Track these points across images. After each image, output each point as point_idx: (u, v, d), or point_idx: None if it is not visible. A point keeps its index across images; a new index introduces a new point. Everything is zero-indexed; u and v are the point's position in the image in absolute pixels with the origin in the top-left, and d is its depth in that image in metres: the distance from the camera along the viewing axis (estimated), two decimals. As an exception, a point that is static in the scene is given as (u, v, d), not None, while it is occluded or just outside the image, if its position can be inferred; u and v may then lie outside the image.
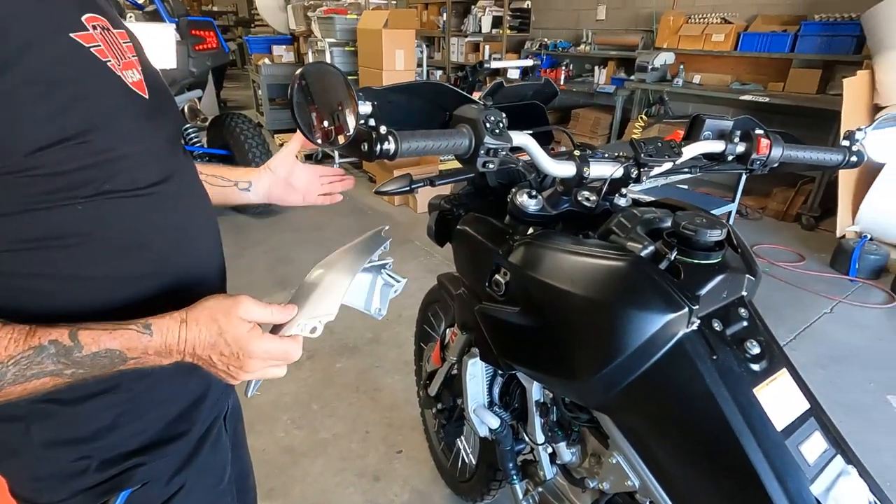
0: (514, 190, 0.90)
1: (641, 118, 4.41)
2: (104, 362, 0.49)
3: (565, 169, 0.81)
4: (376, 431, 1.92)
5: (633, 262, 0.67)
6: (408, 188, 0.93)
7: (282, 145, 0.90)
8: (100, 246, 0.53)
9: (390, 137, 0.59)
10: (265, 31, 7.23)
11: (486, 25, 6.27)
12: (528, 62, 2.88)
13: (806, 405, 0.65)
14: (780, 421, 0.62)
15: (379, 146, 0.58)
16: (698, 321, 0.65)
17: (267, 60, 5.97)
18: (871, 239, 3.14)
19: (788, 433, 0.62)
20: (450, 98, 0.74)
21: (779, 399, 0.64)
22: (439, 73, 6.70)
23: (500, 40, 6.11)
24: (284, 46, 6.11)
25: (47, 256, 0.50)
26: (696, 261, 0.67)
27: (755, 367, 0.65)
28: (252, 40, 6.52)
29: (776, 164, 0.86)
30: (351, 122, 0.56)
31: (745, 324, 0.69)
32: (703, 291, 0.64)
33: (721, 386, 0.61)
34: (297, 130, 0.59)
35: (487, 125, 0.64)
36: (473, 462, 1.48)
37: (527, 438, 1.04)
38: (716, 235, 0.67)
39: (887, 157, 0.90)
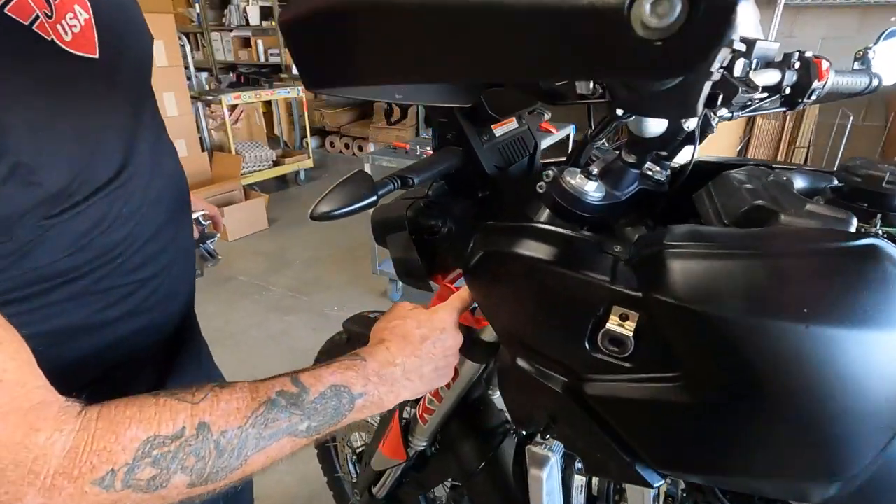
0: (550, 171, 0.54)
1: (447, 104, 4.40)
2: (332, 404, 0.46)
3: (657, 122, 0.49)
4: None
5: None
6: (368, 200, 0.48)
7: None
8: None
9: None
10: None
11: (254, 17, 5.50)
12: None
13: None
14: None
15: None
16: None
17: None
18: None
19: None
20: None
21: None
22: (205, 74, 5.64)
23: (273, 34, 5.43)
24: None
25: None
26: None
27: None
28: None
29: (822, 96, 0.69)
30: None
31: None
32: None
33: None
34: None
35: None
36: None
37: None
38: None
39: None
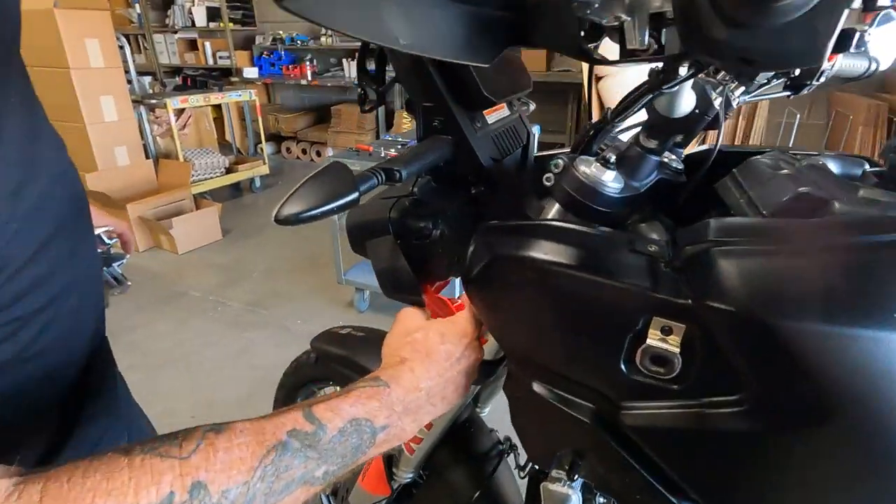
0: (560, 160, 0.47)
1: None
2: (353, 442, 0.38)
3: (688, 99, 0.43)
4: None
5: None
6: (348, 198, 0.39)
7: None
8: None
9: None
10: None
11: (200, 19, 5.23)
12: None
13: None
14: None
15: None
16: None
17: None
18: None
19: None
20: None
21: None
22: (148, 79, 5.29)
23: (222, 36, 5.19)
24: None
25: None
26: None
27: None
28: None
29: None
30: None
31: None
32: None
33: None
34: None
35: None
36: None
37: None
38: None
39: (889, 57, 0.80)
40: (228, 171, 4.00)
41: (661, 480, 0.39)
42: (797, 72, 0.62)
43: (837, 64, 0.64)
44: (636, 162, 0.47)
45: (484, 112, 0.56)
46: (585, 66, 3.45)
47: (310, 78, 4.99)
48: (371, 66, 0.55)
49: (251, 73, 5.12)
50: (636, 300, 0.36)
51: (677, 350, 0.36)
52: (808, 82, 0.63)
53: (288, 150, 5.32)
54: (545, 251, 0.39)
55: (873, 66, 0.70)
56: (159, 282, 2.72)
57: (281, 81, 5.26)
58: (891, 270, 0.32)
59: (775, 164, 0.47)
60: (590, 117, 3.95)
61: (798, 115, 3.49)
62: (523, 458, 0.80)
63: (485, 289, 0.43)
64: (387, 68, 0.56)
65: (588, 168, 0.45)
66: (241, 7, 5.21)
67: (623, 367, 0.38)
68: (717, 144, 0.50)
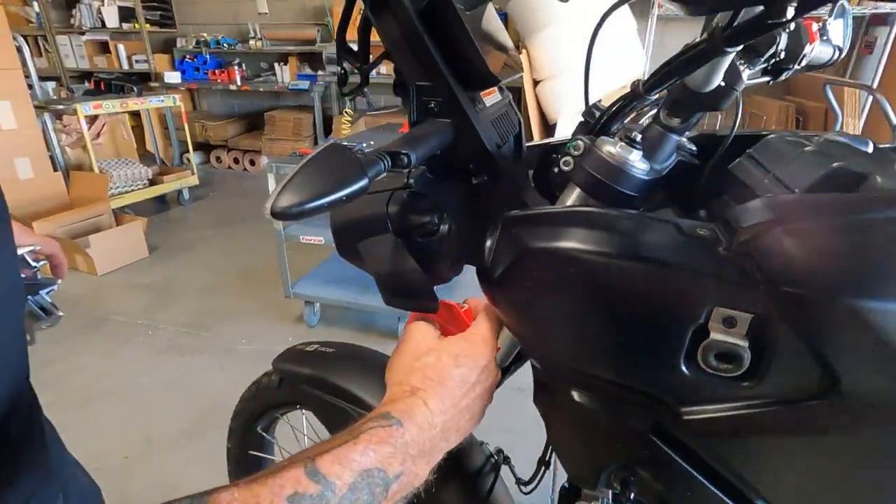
0: (580, 142, 0.42)
1: (347, 112, 4.19)
2: (364, 499, 0.32)
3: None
4: None
5: None
6: (357, 185, 0.32)
7: None
8: None
9: None
10: None
11: (111, 19, 4.81)
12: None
13: None
14: None
15: None
16: None
17: None
18: None
19: None
20: None
21: None
22: (51, 84, 4.78)
23: (138, 38, 4.81)
24: None
25: None
26: None
27: None
28: None
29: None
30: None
31: None
32: None
33: None
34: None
35: None
36: None
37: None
38: None
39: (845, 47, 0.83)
40: (152, 182, 3.68)
41: (727, 491, 0.35)
42: (782, 55, 0.61)
43: (815, 50, 0.64)
44: (657, 142, 0.44)
45: (481, 94, 0.51)
46: (527, 69, 3.51)
47: (239, 83, 4.72)
48: (353, 41, 0.48)
49: (173, 77, 4.77)
50: (699, 289, 0.32)
51: (746, 343, 0.32)
52: (789, 66, 0.63)
53: (218, 159, 5.00)
54: (587, 240, 0.34)
55: (837, 54, 0.72)
56: (77, 308, 2.42)
57: (207, 87, 4.94)
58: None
59: (796, 142, 0.45)
60: (528, 121, 4.01)
61: (720, 117, 3.75)
62: (519, 470, 0.75)
63: (514, 289, 0.38)
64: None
65: (613, 148, 0.41)
66: (159, 7, 4.85)
67: (683, 366, 0.33)
68: (735, 124, 0.48)
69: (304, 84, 4.42)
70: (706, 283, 0.32)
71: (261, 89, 4.69)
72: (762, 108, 3.59)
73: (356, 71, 0.49)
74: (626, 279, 0.34)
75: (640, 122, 0.54)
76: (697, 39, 0.37)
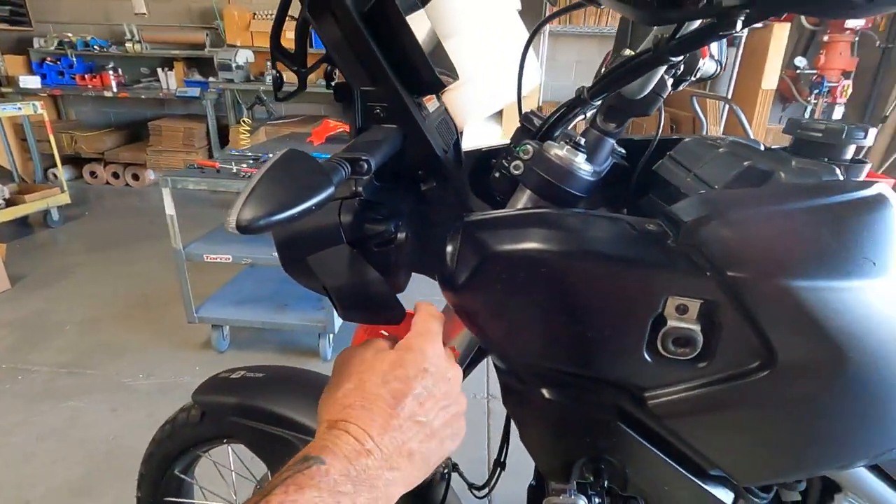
0: (529, 146, 0.44)
1: (245, 121, 3.95)
2: None
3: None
4: None
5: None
6: (324, 193, 0.29)
7: None
8: None
9: None
10: None
11: (-56, 13, 4.09)
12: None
13: None
14: None
15: None
16: None
17: None
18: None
19: None
20: None
21: None
22: None
23: (-18, 36, 4.14)
24: None
25: None
26: None
27: None
28: None
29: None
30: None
31: None
32: None
33: None
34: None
35: None
36: None
37: None
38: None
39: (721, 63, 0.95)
40: (10, 202, 3.17)
41: (689, 467, 0.37)
42: (681, 68, 0.68)
43: (705, 65, 0.72)
44: (597, 145, 0.47)
45: (424, 100, 0.50)
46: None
47: (115, 89, 4.26)
48: (289, 43, 0.45)
49: (31, 82, 4.17)
50: (655, 280, 0.35)
51: (698, 328, 0.35)
52: (686, 78, 0.70)
53: (93, 174, 4.44)
54: (552, 241, 0.36)
55: (718, 68, 0.82)
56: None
57: (76, 93, 4.39)
58: (860, 229, 0.35)
59: (712, 144, 0.50)
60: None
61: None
62: (469, 476, 0.75)
63: (479, 293, 0.38)
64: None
65: (560, 151, 0.43)
66: (9, 2, 4.22)
67: (646, 353, 0.36)
68: (658, 129, 0.52)
69: (194, 91, 4.10)
70: (660, 274, 0.35)
71: (142, 97, 4.27)
72: (641, 118, 4.00)
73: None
74: (589, 275, 0.35)
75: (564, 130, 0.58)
76: (640, 49, 0.40)
